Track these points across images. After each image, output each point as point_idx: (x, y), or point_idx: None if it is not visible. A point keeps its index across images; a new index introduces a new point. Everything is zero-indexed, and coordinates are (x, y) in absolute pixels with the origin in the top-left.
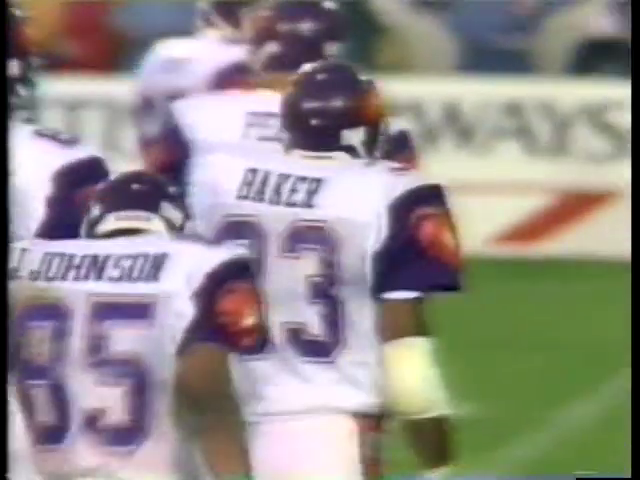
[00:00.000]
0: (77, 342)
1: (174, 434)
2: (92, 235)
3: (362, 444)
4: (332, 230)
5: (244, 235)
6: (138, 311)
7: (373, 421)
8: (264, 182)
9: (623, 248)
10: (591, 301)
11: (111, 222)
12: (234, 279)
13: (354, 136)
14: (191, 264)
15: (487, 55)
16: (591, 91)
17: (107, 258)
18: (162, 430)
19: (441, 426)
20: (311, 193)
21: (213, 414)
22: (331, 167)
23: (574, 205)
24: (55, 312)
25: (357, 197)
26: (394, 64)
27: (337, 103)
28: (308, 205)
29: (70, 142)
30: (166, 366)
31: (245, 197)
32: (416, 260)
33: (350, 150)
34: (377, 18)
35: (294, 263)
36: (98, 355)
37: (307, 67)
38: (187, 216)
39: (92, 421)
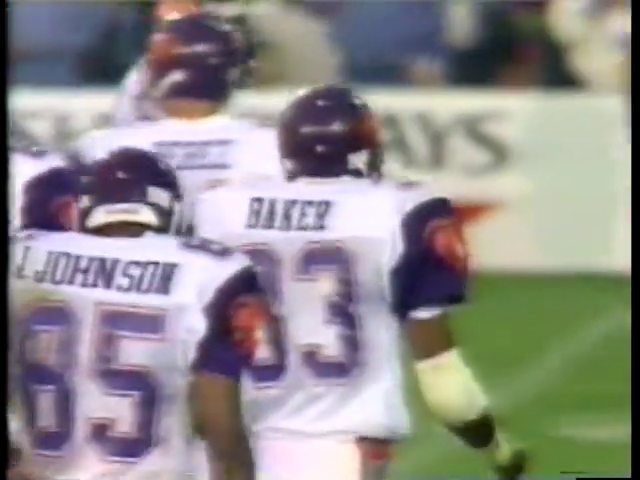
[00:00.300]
0: (85, 350)
1: (180, 448)
2: (85, 228)
3: (366, 472)
4: (346, 249)
5: (256, 263)
6: (148, 323)
7: (380, 446)
8: (271, 210)
9: (501, 260)
10: (478, 314)
11: (101, 216)
12: (246, 293)
13: (358, 159)
14: (201, 277)
15: (366, 69)
16: (466, 102)
17: (115, 264)
18: (168, 443)
19: (482, 421)
20: (321, 215)
21: (230, 453)
22: (336, 189)
23: None
24: (62, 317)
25: (368, 215)
26: (273, 78)
27: (341, 128)
28: (320, 227)
29: (40, 154)
30: (176, 380)
31: (254, 226)
32: (435, 272)
33: (356, 173)
34: (258, 33)
35: (310, 285)
36: (106, 365)
37: (303, 93)
38: (176, 196)
39: (99, 431)
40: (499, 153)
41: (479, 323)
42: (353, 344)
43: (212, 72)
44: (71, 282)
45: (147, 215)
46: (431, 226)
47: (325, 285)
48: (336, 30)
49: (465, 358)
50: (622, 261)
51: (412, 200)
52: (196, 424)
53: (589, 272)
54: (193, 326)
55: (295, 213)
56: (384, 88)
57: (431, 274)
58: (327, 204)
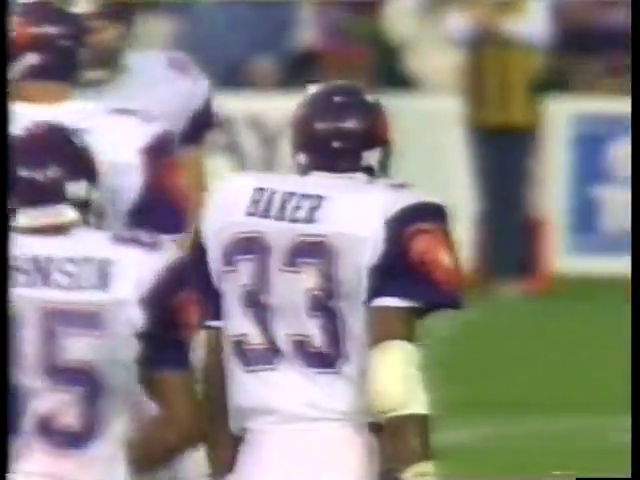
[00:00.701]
0: (30, 348)
1: (119, 437)
2: (15, 228)
3: (363, 453)
4: (330, 245)
5: (251, 250)
6: (89, 320)
7: (373, 429)
8: (270, 200)
9: None
10: None
11: (25, 219)
12: (180, 284)
13: (372, 157)
14: (136, 271)
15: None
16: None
17: (49, 261)
18: (109, 434)
19: (418, 425)
20: (313, 209)
21: (191, 440)
22: (335, 185)
23: None
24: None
25: (357, 213)
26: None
27: (357, 125)
28: (310, 221)
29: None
30: (119, 374)
31: (253, 214)
32: (405, 274)
33: (369, 171)
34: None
35: (294, 277)
36: (51, 361)
37: (317, 88)
38: (93, 180)
39: (44, 424)
40: None
41: None
42: (335, 337)
43: (64, 54)
44: (14, 284)
45: (68, 214)
46: (412, 229)
47: (309, 278)
48: (181, 30)
49: None
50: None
51: (400, 202)
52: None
53: None
54: (132, 319)
55: (290, 205)
56: (218, 92)
57: (402, 275)
58: (321, 198)
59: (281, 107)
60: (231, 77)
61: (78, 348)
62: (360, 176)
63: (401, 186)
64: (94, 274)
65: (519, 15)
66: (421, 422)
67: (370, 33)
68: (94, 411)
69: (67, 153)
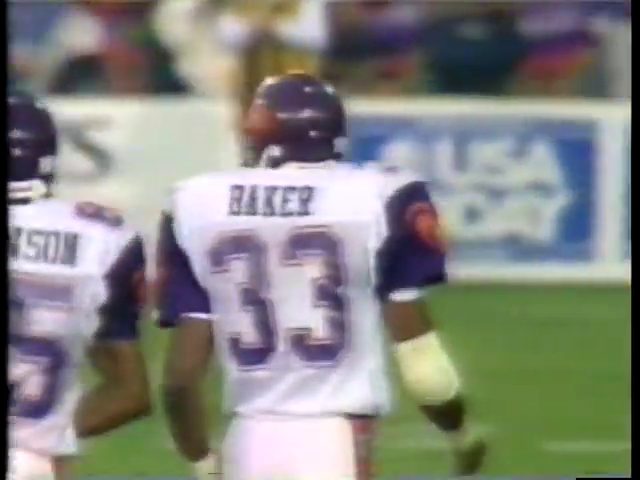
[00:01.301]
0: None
1: (72, 408)
2: None
3: (357, 445)
4: (332, 234)
5: (242, 249)
6: (58, 293)
7: (366, 422)
8: (252, 197)
9: None
10: None
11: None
12: (141, 261)
13: (341, 143)
14: (101, 247)
15: None
16: (72, 109)
17: (19, 231)
18: (65, 405)
19: (458, 402)
20: (305, 201)
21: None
22: (318, 174)
23: None
24: None
25: (352, 199)
26: None
27: (329, 114)
28: (304, 213)
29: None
30: (78, 346)
31: (237, 213)
32: (418, 253)
33: (338, 157)
34: None
35: (297, 270)
36: (18, 332)
37: (276, 80)
38: (55, 154)
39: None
40: (103, 160)
41: None
42: (340, 326)
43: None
44: None
45: (39, 188)
46: (413, 209)
47: (313, 269)
48: None
49: None
50: None
51: (393, 184)
52: (106, 384)
53: None
54: (97, 293)
55: (277, 199)
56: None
57: (414, 256)
58: (310, 190)
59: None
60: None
61: (45, 320)
62: (333, 164)
63: (386, 168)
64: (62, 247)
65: (294, 18)
66: (459, 398)
67: (145, 37)
68: (54, 383)
69: (41, 129)
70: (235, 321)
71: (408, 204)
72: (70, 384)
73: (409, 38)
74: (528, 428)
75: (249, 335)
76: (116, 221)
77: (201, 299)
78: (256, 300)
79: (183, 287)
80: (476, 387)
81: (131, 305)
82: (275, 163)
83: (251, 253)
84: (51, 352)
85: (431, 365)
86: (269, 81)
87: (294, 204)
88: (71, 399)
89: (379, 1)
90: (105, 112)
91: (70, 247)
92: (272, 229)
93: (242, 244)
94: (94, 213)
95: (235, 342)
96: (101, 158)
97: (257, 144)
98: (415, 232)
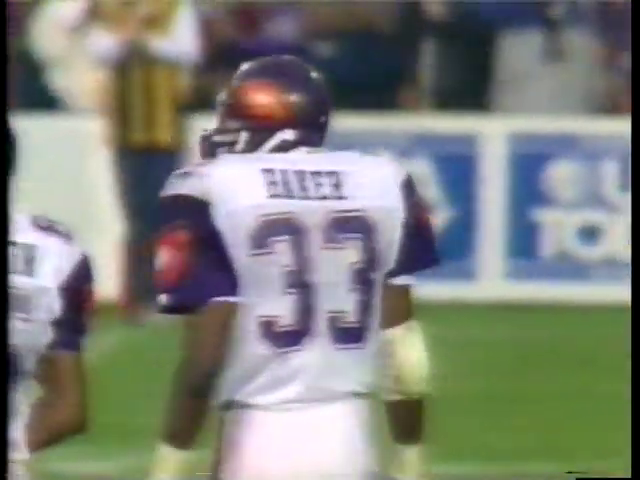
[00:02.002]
0: None
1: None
2: None
3: (367, 424)
4: (369, 218)
5: (284, 231)
6: (17, 303)
7: (368, 402)
8: (285, 180)
9: None
10: None
11: None
12: (90, 276)
13: (328, 129)
14: (56, 260)
15: None
16: None
17: None
18: (19, 418)
19: (424, 404)
20: (337, 186)
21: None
22: (333, 159)
23: None
24: None
25: (379, 184)
26: None
27: (329, 100)
28: (339, 197)
29: None
30: (31, 358)
31: (276, 195)
32: (421, 239)
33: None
34: None
35: (339, 253)
36: None
37: (281, 60)
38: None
39: None
40: None
41: None
42: (367, 310)
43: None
44: None
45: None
46: (417, 196)
47: (352, 252)
48: None
49: None
50: None
51: (400, 171)
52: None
53: None
54: (51, 307)
55: (309, 183)
56: None
57: (419, 241)
58: (337, 174)
59: None
60: None
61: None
62: (325, 149)
63: (382, 157)
64: (21, 258)
65: (166, 32)
66: (425, 401)
67: (15, 50)
68: (10, 395)
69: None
70: (273, 304)
71: (414, 191)
72: (22, 397)
73: (286, 52)
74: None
75: (287, 318)
76: (68, 235)
77: (231, 282)
78: (300, 283)
79: (214, 271)
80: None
81: (80, 319)
82: (286, 147)
83: (294, 236)
84: (7, 363)
85: (421, 348)
86: (266, 60)
87: (327, 188)
88: (24, 411)
89: (255, 15)
90: None
91: (29, 259)
92: (310, 212)
93: (284, 226)
94: (48, 226)
95: (268, 324)
96: None
97: (266, 127)
98: (421, 218)
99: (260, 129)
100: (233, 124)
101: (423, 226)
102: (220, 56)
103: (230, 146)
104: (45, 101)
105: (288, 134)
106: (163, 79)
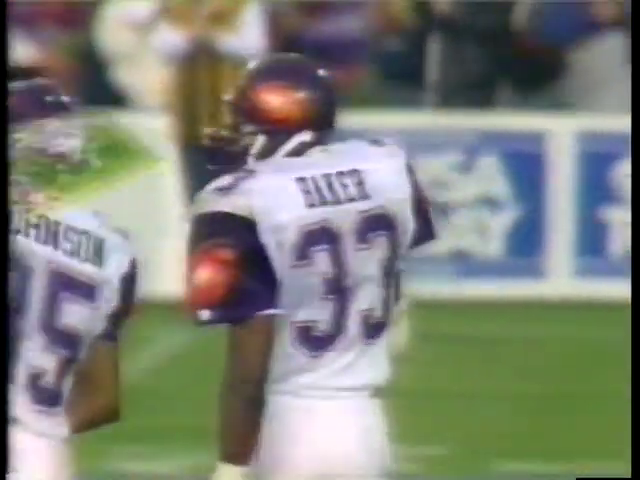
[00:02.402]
0: (35, 304)
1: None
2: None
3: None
4: (391, 213)
5: (322, 241)
6: (86, 290)
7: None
8: (317, 187)
9: None
10: None
11: None
12: (139, 274)
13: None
14: (118, 255)
15: None
16: None
17: (57, 225)
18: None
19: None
20: (359, 184)
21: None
22: (348, 156)
23: None
24: (19, 266)
25: (393, 177)
26: None
27: (336, 96)
28: (365, 197)
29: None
30: (86, 346)
31: (313, 205)
32: (425, 223)
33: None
34: None
35: (369, 253)
36: (50, 321)
37: (295, 59)
38: None
39: (31, 380)
40: None
41: None
42: (389, 303)
43: None
44: (27, 234)
45: None
46: (419, 179)
47: (380, 250)
48: None
49: None
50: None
51: (403, 156)
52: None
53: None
54: (110, 299)
55: (337, 186)
56: None
57: (420, 227)
58: (357, 172)
59: None
60: None
61: (73, 314)
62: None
63: (382, 144)
64: (91, 248)
65: (233, 28)
66: None
67: (80, 47)
68: (66, 375)
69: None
70: (310, 310)
71: (416, 175)
72: (71, 379)
73: (357, 47)
74: (477, 448)
75: (324, 322)
76: (127, 234)
77: (274, 294)
78: (337, 289)
79: (259, 284)
80: (425, 407)
81: (126, 313)
82: (303, 150)
83: (331, 244)
84: (72, 346)
85: (407, 334)
86: (274, 59)
87: (352, 189)
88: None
89: (322, 7)
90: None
91: (97, 249)
92: (342, 217)
93: (322, 235)
94: (110, 222)
95: (306, 330)
96: None
97: (283, 130)
98: (424, 200)
99: (277, 132)
100: (247, 127)
101: (426, 211)
102: (286, 51)
103: (244, 149)
104: (113, 98)
105: (305, 136)
106: (230, 75)
